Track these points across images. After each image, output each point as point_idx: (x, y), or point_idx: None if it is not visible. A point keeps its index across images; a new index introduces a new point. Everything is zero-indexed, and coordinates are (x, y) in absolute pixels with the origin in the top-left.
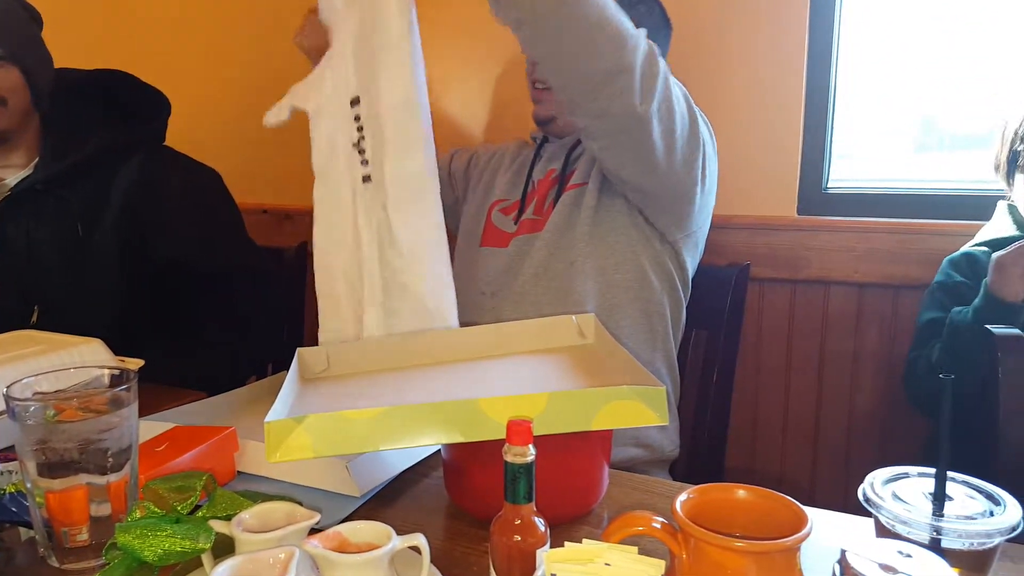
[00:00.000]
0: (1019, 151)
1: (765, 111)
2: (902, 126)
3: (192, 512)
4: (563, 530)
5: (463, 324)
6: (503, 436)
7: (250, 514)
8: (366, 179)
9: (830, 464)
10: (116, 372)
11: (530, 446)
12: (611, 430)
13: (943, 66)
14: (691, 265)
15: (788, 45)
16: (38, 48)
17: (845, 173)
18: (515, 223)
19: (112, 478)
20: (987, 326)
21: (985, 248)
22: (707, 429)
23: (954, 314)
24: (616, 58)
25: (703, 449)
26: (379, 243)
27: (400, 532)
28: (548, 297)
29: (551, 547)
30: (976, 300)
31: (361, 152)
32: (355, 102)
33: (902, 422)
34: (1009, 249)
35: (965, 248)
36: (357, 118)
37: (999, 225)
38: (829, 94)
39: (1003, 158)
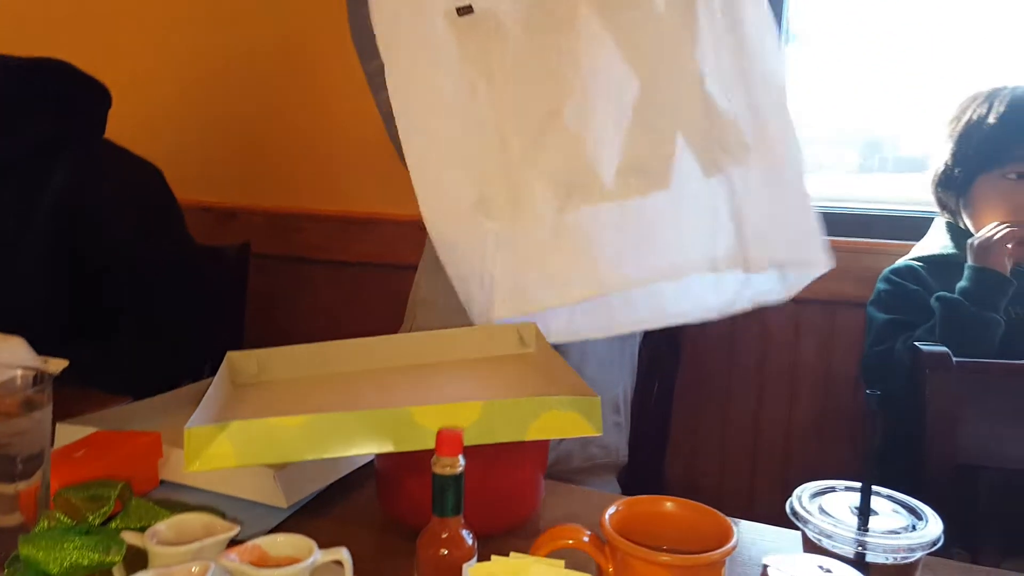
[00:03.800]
0: None
1: None
2: (847, 147)
3: (106, 523)
4: (498, 542)
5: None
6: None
7: (166, 525)
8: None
9: (768, 473)
10: (31, 374)
11: (460, 457)
12: (548, 440)
13: (887, 89)
14: None
15: None
16: None
17: None
18: None
19: (21, 486)
20: (915, 343)
21: (922, 264)
22: (648, 438)
23: (942, 296)
24: None
25: (644, 458)
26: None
27: (328, 546)
28: None
29: (479, 560)
30: (962, 283)
31: None
32: None
33: (837, 434)
34: (989, 229)
35: (903, 261)
36: None
37: (936, 241)
38: None
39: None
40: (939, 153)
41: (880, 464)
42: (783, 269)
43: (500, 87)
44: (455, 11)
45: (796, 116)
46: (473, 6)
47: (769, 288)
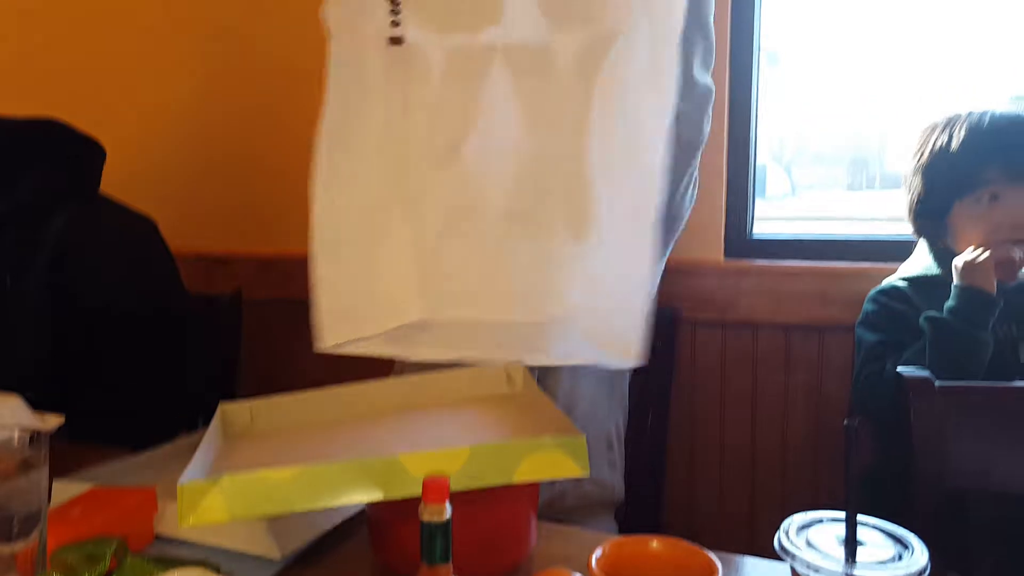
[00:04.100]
0: None
1: None
2: (834, 165)
3: None
4: None
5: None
6: None
7: None
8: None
9: (767, 501)
10: (28, 433)
11: (446, 504)
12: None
13: (871, 105)
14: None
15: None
16: None
17: (786, 211)
18: None
19: (18, 546)
20: (899, 368)
21: (908, 284)
22: (644, 472)
23: (931, 316)
24: None
25: (641, 493)
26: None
27: None
28: None
29: None
30: (949, 303)
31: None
32: None
33: (834, 458)
34: (972, 252)
35: (889, 282)
36: None
37: (920, 261)
38: (750, 141)
39: None
40: (909, 185)
41: (876, 489)
42: (597, 344)
43: (413, 115)
44: (388, 40)
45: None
46: (405, 39)
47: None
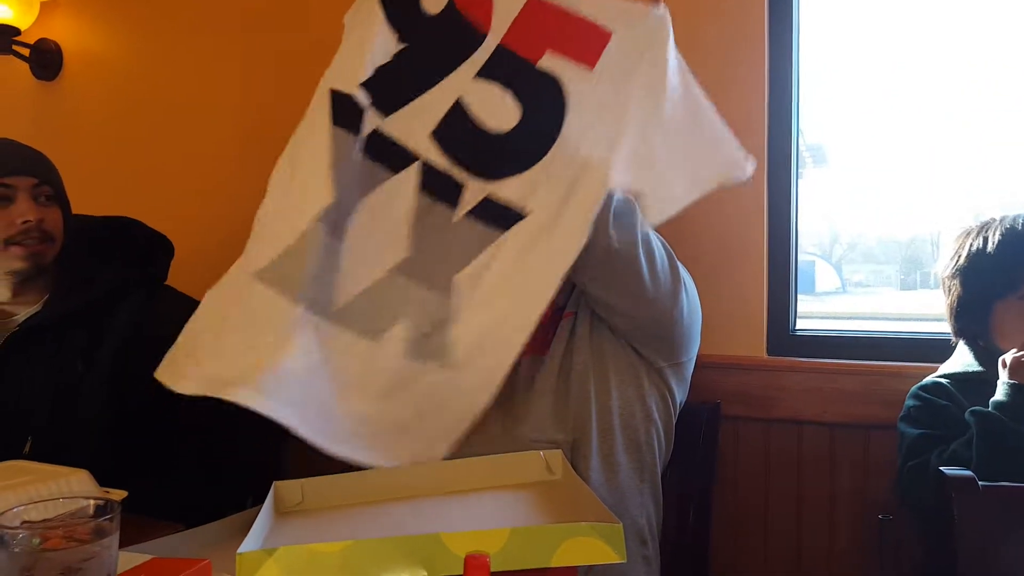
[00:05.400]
0: None
1: (730, 258)
2: (887, 264)
3: None
4: None
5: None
6: None
7: None
8: None
9: None
10: (100, 502)
11: None
12: (575, 568)
13: (922, 204)
14: (678, 397)
15: (748, 195)
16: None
17: (835, 308)
18: None
19: None
20: (942, 468)
21: (950, 380)
22: (686, 570)
23: (977, 411)
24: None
25: None
26: None
27: None
28: (551, 420)
29: None
30: (997, 398)
31: None
32: None
33: (882, 559)
34: (1020, 349)
35: (931, 378)
36: None
37: (961, 360)
38: (790, 236)
39: None
40: (948, 289)
41: None
42: None
43: None
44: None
45: None
46: None
47: None
